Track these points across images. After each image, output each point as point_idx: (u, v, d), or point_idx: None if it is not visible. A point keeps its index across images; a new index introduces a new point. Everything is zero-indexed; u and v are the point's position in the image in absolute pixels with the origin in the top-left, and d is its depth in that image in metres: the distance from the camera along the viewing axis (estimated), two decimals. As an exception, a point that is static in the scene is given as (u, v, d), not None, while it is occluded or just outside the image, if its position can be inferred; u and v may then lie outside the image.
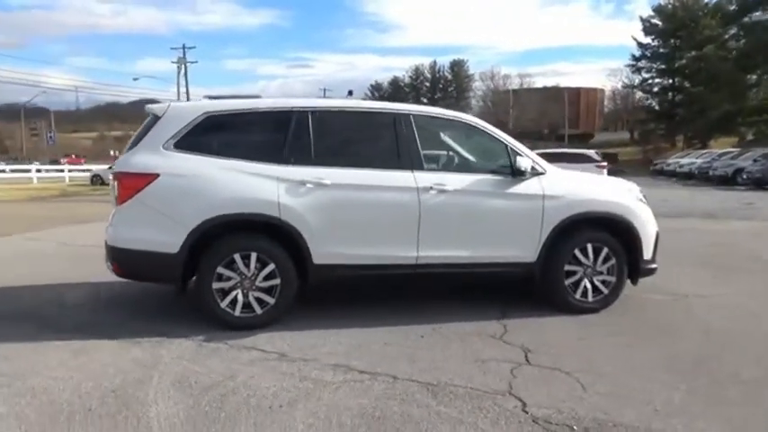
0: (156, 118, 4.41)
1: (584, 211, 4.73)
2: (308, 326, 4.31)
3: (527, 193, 4.65)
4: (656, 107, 58.17)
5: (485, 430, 2.78)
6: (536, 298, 4.92)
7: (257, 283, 4.27)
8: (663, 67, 55.50)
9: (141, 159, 4.30)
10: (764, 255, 7.62)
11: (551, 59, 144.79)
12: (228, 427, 2.79)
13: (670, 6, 53.52)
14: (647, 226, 4.90)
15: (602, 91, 74.95)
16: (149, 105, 4.59)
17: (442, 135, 5.19)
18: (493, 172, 4.70)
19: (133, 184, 4.23)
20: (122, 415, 2.91)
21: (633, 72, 59.41)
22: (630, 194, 5.03)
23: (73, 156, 59.44)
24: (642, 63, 57.13)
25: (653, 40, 55.45)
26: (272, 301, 4.29)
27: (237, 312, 4.25)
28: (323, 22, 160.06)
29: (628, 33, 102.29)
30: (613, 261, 4.77)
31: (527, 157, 4.71)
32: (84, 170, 36.50)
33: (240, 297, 4.25)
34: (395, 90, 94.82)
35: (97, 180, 28.46)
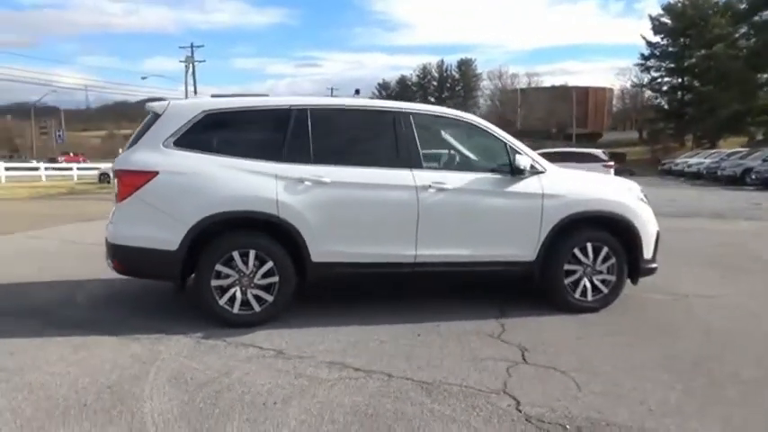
0: (156, 116, 4.44)
1: (584, 210, 4.71)
2: (307, 323, 4.32)
3: (526, 191, 4.64)
4: (665, 106, 57.74)
5: (477, 428, 2.78)
6: (535, 297, 4.91)
7: (256, 281, 4.29)
8: (672, 66, 55.11)
9: (141, 157, 4.32)
10: (764, 255, 7.56)
11: (560, 58, 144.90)
12: (222, 423, 2.81)
13: (680, 5, 53.09)
14: (648, 225, 4.87)
15: (611, 90, 74.53)
16: (149, 103, 4.62)
17: (441, 134, 5.19)
18: (492, 170, 4.68)
19: (133, 181, 4.26)
20: (117, 410, 2.93)
21: (642, 71, 59.24)
22: (631, 194, 4.99)
23: (71, 153, 58.32)
24: (651, 62, 56.77)
25: (662, 38, 55.11)
26: (270, 298, 4.31)
27: (236, 310, 4.27)
28: (331, 20, 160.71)
29: (637, 32, 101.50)
30: (613, 260, 4.74)
31: (526, 156, 4.70)
32: (92, 168, 36.72)
33: (239, 294, 4.26)
34: (402, 89, 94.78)
35: (105, 178, 28.64)
